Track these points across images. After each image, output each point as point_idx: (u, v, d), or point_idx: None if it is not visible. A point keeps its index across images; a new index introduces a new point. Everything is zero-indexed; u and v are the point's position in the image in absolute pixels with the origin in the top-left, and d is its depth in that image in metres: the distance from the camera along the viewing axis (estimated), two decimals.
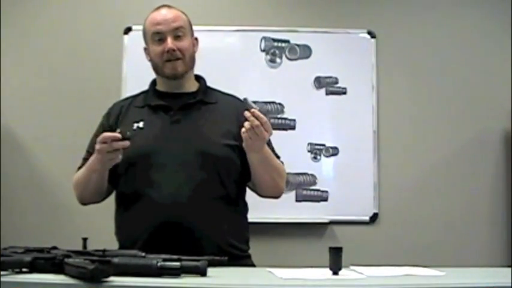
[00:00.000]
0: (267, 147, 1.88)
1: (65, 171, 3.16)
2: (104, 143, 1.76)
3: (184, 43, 1.98)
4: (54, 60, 3.42)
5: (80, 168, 2.01)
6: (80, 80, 3.40)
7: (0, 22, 3.38)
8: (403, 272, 1.49)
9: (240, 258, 1.93)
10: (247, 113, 1.74)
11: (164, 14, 1.99)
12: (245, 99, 1.76)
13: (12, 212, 3.29)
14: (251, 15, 3.50)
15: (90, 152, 2.00)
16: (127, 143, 1.75)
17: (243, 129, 1.77)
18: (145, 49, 2.06)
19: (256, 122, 1.75)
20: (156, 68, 2.01)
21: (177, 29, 1.97)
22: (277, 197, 2.05)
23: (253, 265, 1.98)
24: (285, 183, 2.04)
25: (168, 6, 2.03)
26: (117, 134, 1.75)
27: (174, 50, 1.94)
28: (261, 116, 1.75)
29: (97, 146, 1.78)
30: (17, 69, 3.41)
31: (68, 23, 3.44)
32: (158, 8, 2.03)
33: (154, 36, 1.97)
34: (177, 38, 1.96)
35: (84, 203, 2.02)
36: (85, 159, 2.00)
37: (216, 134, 1.91)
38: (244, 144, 1.81)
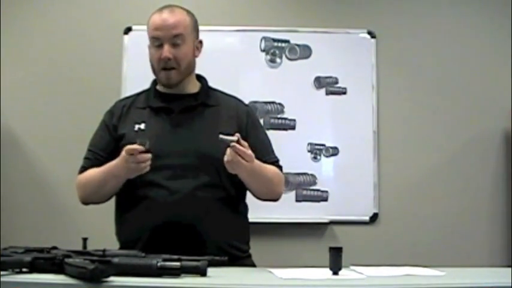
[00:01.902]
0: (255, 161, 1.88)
1: (65, 171, 3.19)
2: (131, 154, 1.76)
3: (182, 52, 1.95)
4: (54, 60, 3.42)
5: (84, 168, 1.99)
6: (80, 80, 3.39)
7: (0, 22, 3.39)
8: (403, 272, 1.50)
9: (241, 259, 1.93)
10: (228, 150, 1.75)
11: (165, 18, 1.94)
12: (220, 139, 1.76)
13: (12, 212, 3.29)
14: (251, 15, 3.50)
15: (92, 151, 1.99)
16: (149, 155, 1.77)
17: (225, 158, 1.78)
18: (149, 47, 2.03)
19: (237, 158, 1.75)
20: (153, 72, 2.01)
21: (175, 36, 1.93)
22: (275, 200, 2.04)
23: (253, 265, 1.98)
24: (282, 187, 2.03)
25: (172, 8, 1.98)
26: (140, 147, 1.76)
27: (169, 59, 1.93)
28: (241, 149, 1.76)
29: (125, 157, 1.78)
30: (17, 69, 3.41)
31: (68, 23, 3.44)
32: (162, 8, 1.98)
33: (153, 41, 1.95)
34: (175, 45, 1.93)
35: (86, 203, 2.00)
36: (87, 159, 2.00)
37: (215, 137, 1.90)
38: (228, 169, 1.82)
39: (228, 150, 1.76)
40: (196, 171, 1.89)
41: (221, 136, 1.76)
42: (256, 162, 1.88)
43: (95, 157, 1.97)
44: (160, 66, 1.95)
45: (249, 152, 1.78)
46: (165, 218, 1.84)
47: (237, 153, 1.75)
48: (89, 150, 2.02)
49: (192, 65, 2.01)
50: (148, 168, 1.80)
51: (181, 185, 1.87)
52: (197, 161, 1.90)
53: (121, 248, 1.93)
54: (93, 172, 1.95)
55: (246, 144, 1.78)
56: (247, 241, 2.03)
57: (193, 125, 1.96)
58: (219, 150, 1.85)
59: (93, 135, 2.05)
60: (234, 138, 1.76)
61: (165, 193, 1.86)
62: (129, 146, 1.78)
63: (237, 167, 1.79)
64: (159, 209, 1.86)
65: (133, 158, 1.77)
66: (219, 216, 1.91)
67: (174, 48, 1.93)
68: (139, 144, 1.77)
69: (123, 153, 1.79)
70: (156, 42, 1.95)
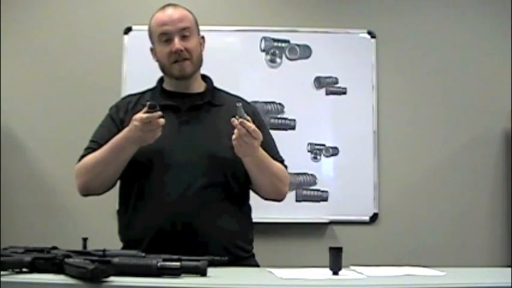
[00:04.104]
0: (262, 152, 1.88)
1: (65, 171, 3.17)
2: (147, 123, 1.75)
3: (191, 43, 1.97)
4: (55, 60, 3.42)
5: (83, 156, 1.94)
6: (80, 80, 3.40)
7: (0, 22, 3.39)
8: (403, 272, 1.49)
9: (245, 259, 1.94)
10: (235, 122, 1.74)
11: (170, 13, 1.98)
12: (238, 106, 1.74)
13: (12, 212, 3.29)
14: (251, 15, 3.50)
15: (96, 142, 1.95)
16: (162, 120, 1.76)
17: (233, 137, 1.77)
18: (151, 49, 2.04)
19: (244, 131, 1.74)
20: (163, 69, 2.00)
21: (183, 29, 1.96)
22: (279, 200, 2.04)
23: (257, 265, 1.98)
24: (287, 187, 2.03)
25: (174, 5, 2.01)
26: (157, 114, 1.74)
27: (181, 51, 1.94)
28: (249, 124, 1.75)
29: (138, 126, 1.75)
30: (17, 69, 3.41)
31: (68, 23, 3.44)
32: (164, 7, 2.01)
33: (161, 37, 1.96)
34: (184, 38, 1.95)
35: (87, 193, 1.95)
36: (89, 148, 1.95)
37: (223, 136, 1.90)
38: (235, 150, 1.81)
39: (235, 134, 1.75)
40: (202, 170, 1.88)
41: (239, 105, 1.74)
42: (264, 153, 1.88)
43: (99, 148, 1.91)
44: (172, 59, 1.95)
45: (257, 130, 1.77)
46: (170, 217, 1.84)
47: (245, 129, 1.74)
48: (92, 141, 1.98)
49: (201, 58, 2.02)
50: (160, 133, 1.78)
51: (187, 184, 1.86)
52: (203, 159, 1.89)
53: (124, 247, 1.92)
54: (97, 153, 1.90)
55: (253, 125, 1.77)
56: (251, 241, 2.03)
57: (199, 124, 1.96)
58: (225, 150, 1.85)
59: (97, 128, 2.02)
60: (247, 116, 1.76)
61: (170, 192, 1.86)
62: (145, 115, 1.75)
63: (245, 146, 1.77)
64: (164, 208, 1.85)
65: (149, 126, 1.75)
66: (224, 215, 1.91)
67: (183, 40, 1.95)
68: (151, 107, 1.74)
69: (135, 122, 1.76)
70: (164, 37, 1.95)
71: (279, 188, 2.00)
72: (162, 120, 1.76)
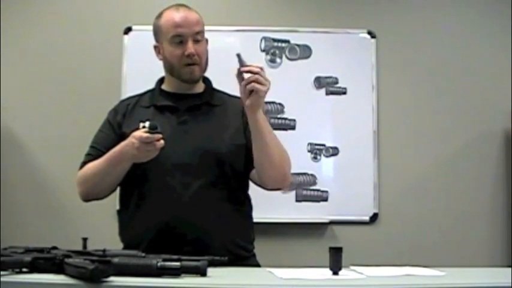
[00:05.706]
0: (268, 125, 1.89)
1: (65, 171, 3.19)
2: (148, 143, 1.75)
3: (202, 48, 1.98)
4: (54, 60, 3.42)
5: (85, 163, 1.96)
6: (80, 80, 3.39)
7: (0, 22, 3.38)
8: (403, 272, 1.50)
9: (246, 258, 1.94)
10: (243, 69, 1.77)
11: (185, 15, 1.96)
12: (238, 54, 1.75)
13: (12, 212, 3.29)
14: (251, 15, 3.50)
15: (95, 148, 1.98)
16: (162, 142, 1.76)
17: (243, 83, 1.79)
18: (155, 47, 2.03)
19: (256, 70, 1.78)
20: (171, 70, 2.00)
21: (197, 33, 1.96)
22: (282, 185, 2.02)
23: (258, 265, 1.98)
24: (290, 170, 2.00)
25: (186, 7, 2.00)
26: (157, 136, 1.75)
27: (194, 55, 1.94)
28: (256, 69, 1.79)
29: (136, 144, 1.76)
30: (17, 69, 3.41)
31: (67, 23, 3.44)
32: (177, 7, 1.99)
33: (174, 39, 1.95)
34: (196, 42, 1.95)
35: (88, 199, 1.97)
36: (89, 155, 1.97)
37: (222, 136, 1.92)
38: (245, 105, 1.82)
39: (245, 79, 1.79)
40: (202, 170, 1.89)
41: (239, 53, 1.76)
42: (269, 126, 1.90)
43: (98, 154, 1.94)
44: (184, 62, 1.95)
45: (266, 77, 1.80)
46: (171, 217, 1.84)
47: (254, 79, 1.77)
48: (91, 147, 2.00)
49: (208, 62, 2.03)
50: (157, 153, 1.78)
51: (188, 184, 1.87)
52: (203, 159, 1.89)
53: (125, 247, 1.93)
54: (95, 163, 1.92)
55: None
56: (252, 240, 2.04)
57: (198, 124, 1.96)
58: (225, 149, 1.86)
59: (97, 133, 2.03)
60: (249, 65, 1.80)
61: (170, 192, 1.86)
62: (145, 135, 1.75)
63: (256, 96, 1.79)
64: (165, 209, 1.85)
65: (148, 147, 1.76)
66: (225, 215, 1.91)
67: (195, 44, 1.95)
68: (152, 127, 1.74)
69: (133, 140, 1.77)
70: (178, 39, 1.94)
71: (282, 164, 1.95)
72: (161, 143, 1.76)
